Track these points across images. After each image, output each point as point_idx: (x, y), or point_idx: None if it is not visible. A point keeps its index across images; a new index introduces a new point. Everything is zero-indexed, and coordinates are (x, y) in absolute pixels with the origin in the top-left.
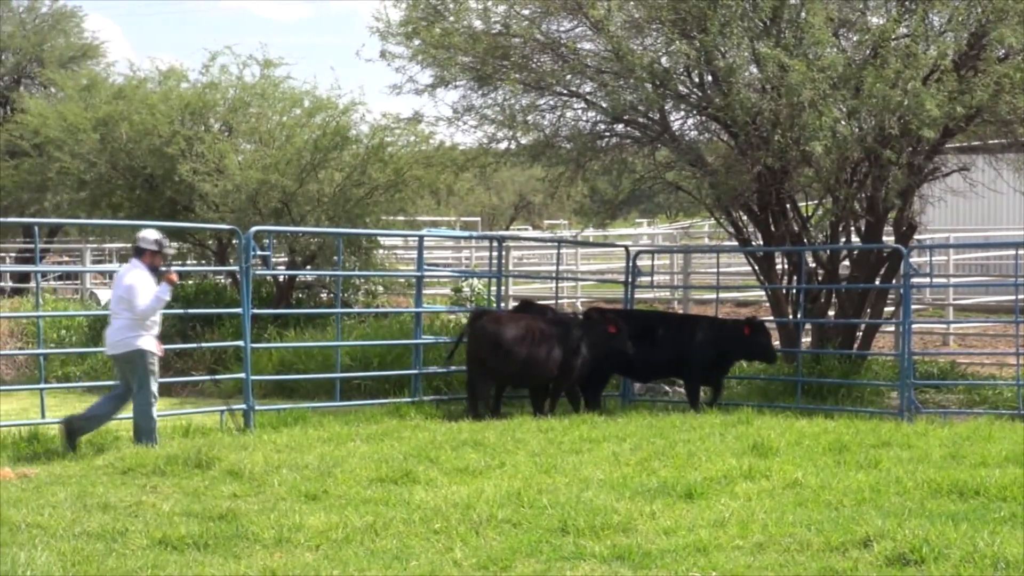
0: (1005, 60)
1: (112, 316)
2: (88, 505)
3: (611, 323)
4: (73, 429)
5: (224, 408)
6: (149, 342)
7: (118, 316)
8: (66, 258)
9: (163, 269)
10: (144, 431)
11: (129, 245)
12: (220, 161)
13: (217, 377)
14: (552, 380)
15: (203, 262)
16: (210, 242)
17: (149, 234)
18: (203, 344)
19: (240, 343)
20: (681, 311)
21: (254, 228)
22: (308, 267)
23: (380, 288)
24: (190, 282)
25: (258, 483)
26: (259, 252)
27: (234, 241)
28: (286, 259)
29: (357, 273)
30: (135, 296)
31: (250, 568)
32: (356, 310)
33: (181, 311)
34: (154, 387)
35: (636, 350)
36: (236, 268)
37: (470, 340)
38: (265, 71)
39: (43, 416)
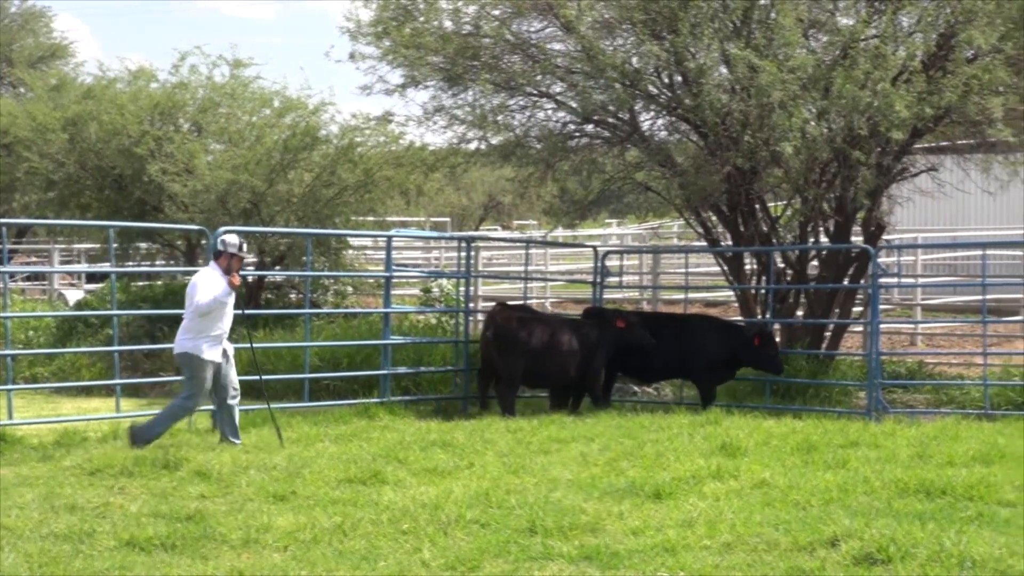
0: (974, 61)
1: (184, 317)
2: (55, 506)
3: (618, 318)
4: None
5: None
6: (205, 349)
7: (185, 317)
8: (34, 259)
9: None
10: (152, 432)
11: (98, 246)
12: (189, 161)
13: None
14: (572, 380)
15: (172, 262)
16: (179, 242)
17: (232, 238)
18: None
19: None
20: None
21: (223, 228)
22: (277, 267)
23: (349, 288)
24: (159, 283)
25: (226, 484)
26: None
27: (203, 241)
28: (255, 259)
29: (326, 274)
30: (195, 292)
31: (217, 569)
32: (325, 310)
33: (149, 312)
34: (198, 399)
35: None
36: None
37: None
38: (235, 71)
39: (11, 417)
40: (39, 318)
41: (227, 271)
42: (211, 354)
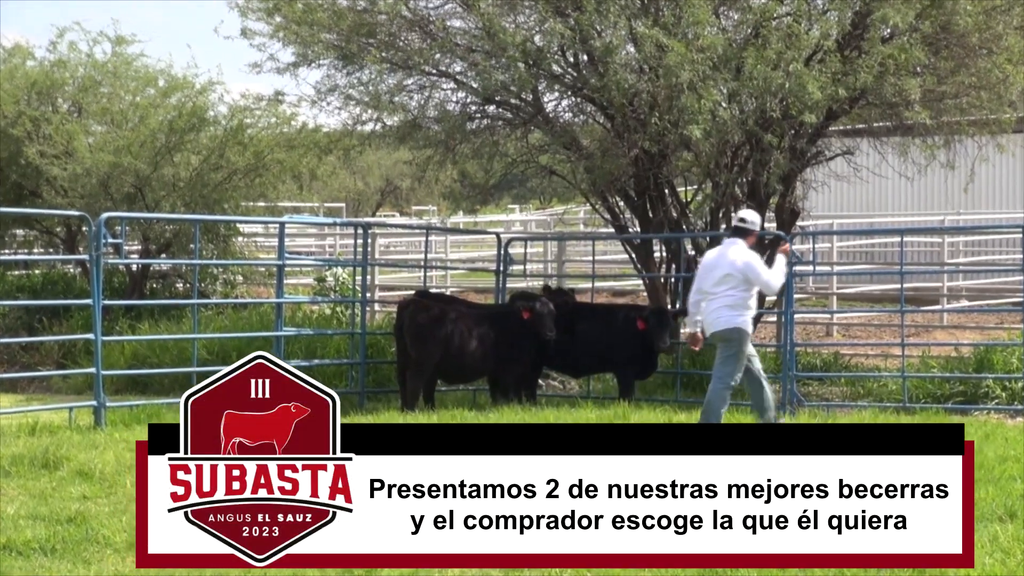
0: (890, 40)
1: (709, 298)
2: None
3: (525, 309)
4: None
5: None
6: (750, 324)
7: (715, 296)
8: None
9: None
10: (714, 410)
11: None
12: (69, 143)
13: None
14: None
15: (51, 250)
16: (58, 229)
17: (753, 216)
18: (51, 337)
19: (90, 336)
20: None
21: (105, 214)
22: (163, 255)
23: (239, 278)
24: (36, 272)
25: (109, 484)
26: (111, 240)
27: (84, 228)
28: (139, 247)
29: (215, 262)
30: (758, 272)
31: (100, 573)
32: (214, 301)
33: (27, 302)
34: (739, 373)
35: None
36: (86, 257)
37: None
38: (117, 48)
39: None
40: None
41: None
42: (751, 328)
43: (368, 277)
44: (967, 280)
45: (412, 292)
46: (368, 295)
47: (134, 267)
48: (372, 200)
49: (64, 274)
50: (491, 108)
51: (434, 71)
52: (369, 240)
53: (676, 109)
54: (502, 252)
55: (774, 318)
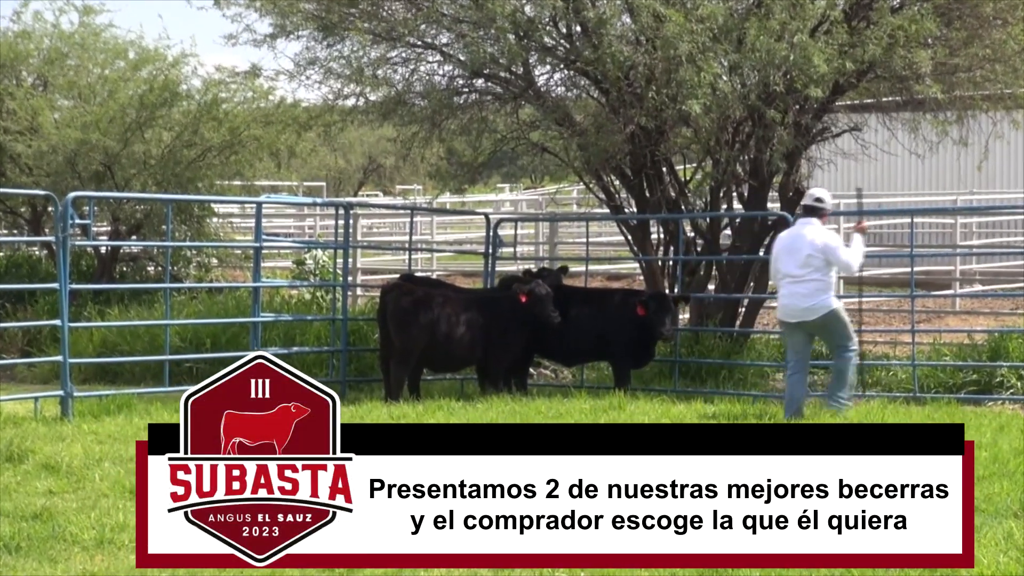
0: (899, 11)
1: (790, 281)
2: None
3: (522, 292)
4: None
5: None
6: (838, 300)
7: (801, 280)
8: None
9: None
10: (847, 387)
11: None
12: (34, 119)
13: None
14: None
15: (15, 232)
16: (23, 209)
17: (827, 195)
18: (15, 323)
19: (57, 322)
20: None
21: (72, 194)
22: (133, 237)
23: (214, 260)
24: (0, 254)
25: (77, 478)
26: (78, 220)
27: (50, 208)
28: (108, 228)
29: (188, 244)
30: (838, 253)
31: (68, 572)
32: (187, 285)
33: None
34: (854, 335)
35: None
36: (52, 238)
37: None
38: (85, 18)
39: None
40: None
41: None
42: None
43: (350, 260)
44: (981, 263)
45: (396, 276)
46: (350, 279)
47: (103, 249)
48: (354, 179)
49: (29, 257)
50: (479, 82)
51: (419, 43)
52: (351, 221)
53: (674, 83)
54: (491, 234)
55: (776, 303)
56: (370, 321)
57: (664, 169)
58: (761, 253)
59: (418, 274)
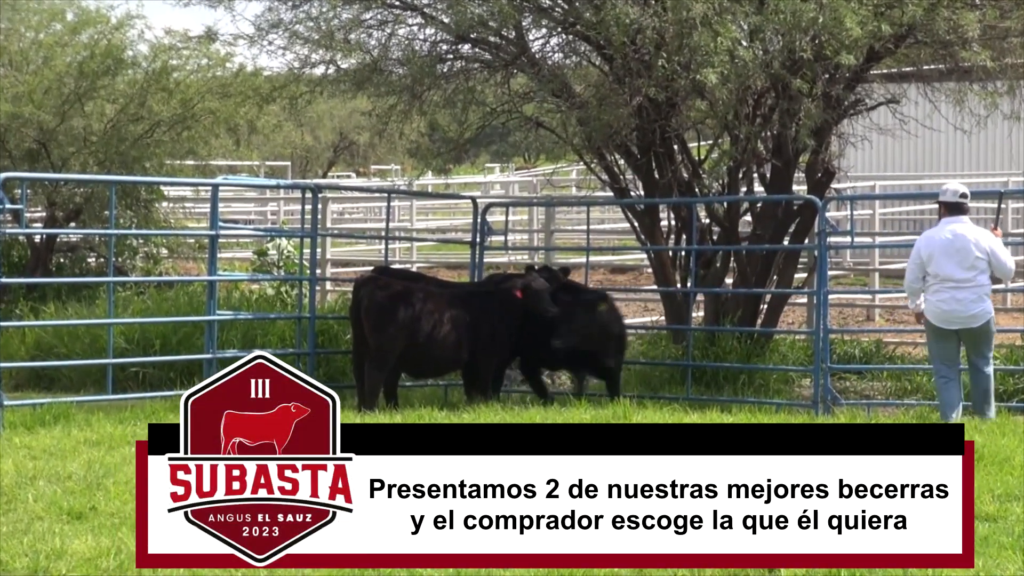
0: None
1: (952, 286)
2: None
3: (516, 288)
4: None
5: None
6: None
7: (965, 285)
8: None
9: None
10: (992, 401)
11: None
12: None
13: None
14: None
15: None
16: None
17: (965, 188)
18: None
19: None
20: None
21: (3, 175)
22: (72, 224)
23: (164, 251)
24: None
25: (8, 498)
26: (9, 205)
27: None
28: (44, 214)
29: (135, 232)
30: (1003, 258)
31: None
32: (133, 278)
33: None
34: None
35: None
36: None
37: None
38: None
39: None
40: None
41: None
42: None
43: (318, 250)
44: None
45: (371, 268)
46: (318, 272)
47: (37, 238)
48: (323, 158)
49: None
50: (466, 48)
51: (398, 3)
52: (319, 206)
53: (687, 49)
54: (479, 220)
55: (804, 299)
56: (341, 319)
57: (676, 147)
58: (785, 242)
59: (396, 266)
